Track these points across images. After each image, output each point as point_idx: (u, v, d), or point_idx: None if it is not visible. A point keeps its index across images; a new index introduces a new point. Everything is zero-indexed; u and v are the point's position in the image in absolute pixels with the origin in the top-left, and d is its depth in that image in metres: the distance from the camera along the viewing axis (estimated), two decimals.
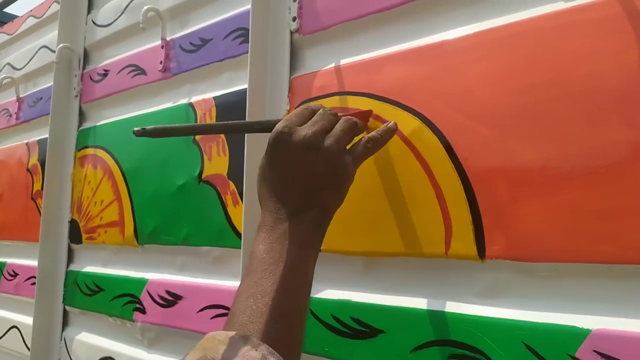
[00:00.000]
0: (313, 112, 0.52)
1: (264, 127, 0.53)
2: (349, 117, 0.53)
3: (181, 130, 0.54)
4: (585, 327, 0.42)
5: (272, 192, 0.49)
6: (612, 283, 0.42)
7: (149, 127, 0.47)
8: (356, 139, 0.53)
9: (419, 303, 0.53)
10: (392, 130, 0.55)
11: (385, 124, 0.55)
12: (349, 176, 0.50)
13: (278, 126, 0.49)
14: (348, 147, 0.51)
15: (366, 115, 0.58)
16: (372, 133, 0.53)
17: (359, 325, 0.56)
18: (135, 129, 0.47)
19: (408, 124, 0.56)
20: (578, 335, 0.42)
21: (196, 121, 0.81)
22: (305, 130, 0.48)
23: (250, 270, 0.45)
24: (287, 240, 0.45)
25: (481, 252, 0.49)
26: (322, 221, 0.48)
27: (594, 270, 0.43)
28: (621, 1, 0.44)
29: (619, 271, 0.42)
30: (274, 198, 0.48)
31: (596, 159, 0.43)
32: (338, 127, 0.51)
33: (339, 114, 0.53)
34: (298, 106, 0.54)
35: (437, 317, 0.51)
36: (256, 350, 0.38)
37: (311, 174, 0.48)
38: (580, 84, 0.45)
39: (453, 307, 0.50)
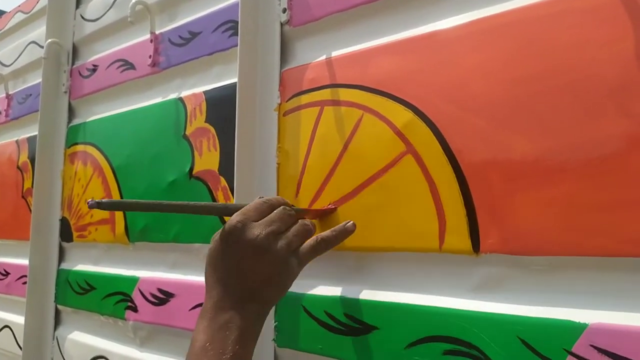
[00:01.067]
0: (272, 208, 0.52)
1: (224, 211, 0.54)
2: (305, 222, 0.53)
3: (135, 206, 0.54)
4: (581, 321, 0.41)
5: (218, 281, 0.50)
6: (608, 276, 0.41)
7: (104, 200, 0.47)
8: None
9: (413, 298, 0.52)
10: (349, 232, 0.55)
11: (343, 223, 0.55)
12: (292, 277, 0.51)
13: (232, 219, 0.50)
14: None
15: (331, 212, 0.59)
16: (327, 232, 0.54)
17: (352, 322, 0.55)
18: (89, 201, 0.46)
19: (401, 116, 0.55)
20: (574, 330, 0.41)
21: (186, 116, 0.80)
22: (258, 230, 0.49)
23: (196, 349, 0.46)
24: (228, 331, 0.46)
25: (475, 246, 0.48)
26: (262, 314, 0.50)
27: (590, 263, 0.42)
28: None
29: (616, 264, 0.41)
30: (219, 287, 0.49)
31: (591, 151, 0.42)
32: (292, 230, 0.51)
33: (308, 211, 0.56)
34: (260, 197, 0.54)
35: (431, 313, 0.50)
36: None
37: (256, 272, 0.49)
38: (575, 73, 0.44)
39: (447, 302, 0.50)
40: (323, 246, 0.53)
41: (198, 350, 0.46)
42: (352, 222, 0.55)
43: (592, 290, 0.42)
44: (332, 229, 0.54)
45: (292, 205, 0.55)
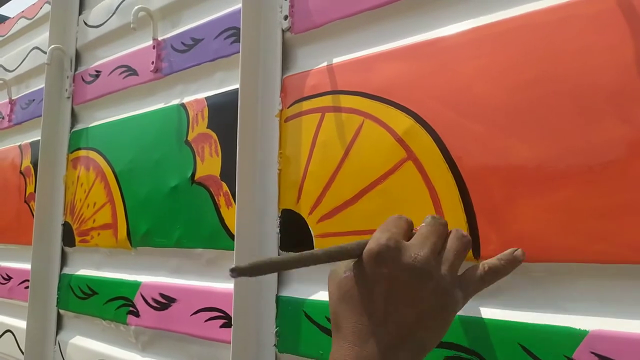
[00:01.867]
0: (410, 225, 0.43)
1: (354, 251, 0.41)
2: (461, 232, 0.43)
3: (277, 265, 0.45)
4: (582, 328, 0.41)
5: (358, 317, 0.38)
6: (609, 283, 0.42)
7: (244, 265, 0.39)
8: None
9: None
10: (518, 262, 0.43)
11: (511, 250, 0.44)
12: (454, 314, 0.40)
13: (381, 238, 0.39)
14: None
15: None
16: (493, 260, 0.43)
17: None
18: (231, 269, 0.38)
19: (401, 123, 0.55)
20: (575, 337, 0.41)
21: (188, 122, 0.80)
22: (416, 251, 0.39)
23: None
24: None
25: (476, 252, 0.48)
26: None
27: (591, 270, 0.42)
28: None
29: (616, 271, 0.41)
30: (360, 326, 0.38)
31: (592, 157, 0.43)
32: (450, 247, 0.41)
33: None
34: None
35: None
36: None
37: (415, 303, 0.38)
38: (575, 79, 0.44)
39: None
40: (491, 278, 0.42)
41: None
42: (521, 250, 0.44)
43: (593, 296, 0.42)
44: (499, 256, 0.43)
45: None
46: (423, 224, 0.42)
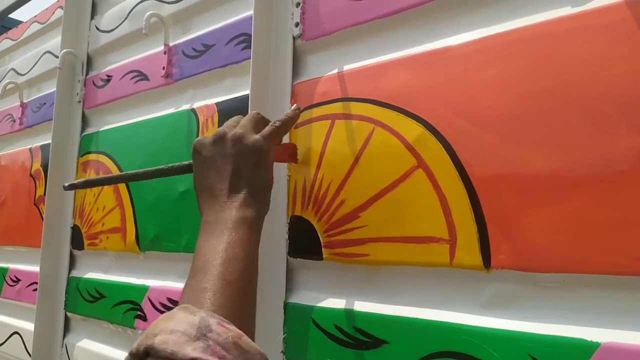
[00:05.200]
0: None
1: (185, 167, 0.60)
2: (272, 122, 0.58)
3: (104, 180, 0.64)
4: (593, 340, 0.41)
5: (204, 195, 0.53)
6: (621, 295, 0.41)
7: (77, 181, 0.60)
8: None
9: (424, 313, 0.52)
10: (298, 110, 0.62)
11: (293, 107, 0.63)
12: (261, 150, 0.53)
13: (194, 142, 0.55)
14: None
15: (292, 148, 0.64)
16: (281, 117, 0.59)
17: (362, 336, 0.55)
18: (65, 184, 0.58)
19: (412, 131, 0.55)
20: (586, 349, 0.41)
21: (198, 127, 0.81)
22: (216, 131, 0.55)
23: (196, 257, 0.48)
24: (224, 223, 0.48)
25: (486, 261, 0.48)
26: (253, 198, 0.51)
27: (603, 281, 0.42)
28: (629, 6, 0.43)
29: (629, 282, 0.41)
30: (206, 199, 0.52)
31: (605, 167, 0.42)
32: (245, 117, 0.57)
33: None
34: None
35: (441, 328, 0.50)
36: (194, 315, 0.39)
37: (225, 159, 0.52)
38: (587, 90, 0.44)
39: (458, 317, 0.49)
40: (281, 123, 0.58)
41: (201, 247, 0.48)
42: (296, 104, 0.63)
43: (605, 308, 0.42)
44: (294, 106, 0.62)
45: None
46: None
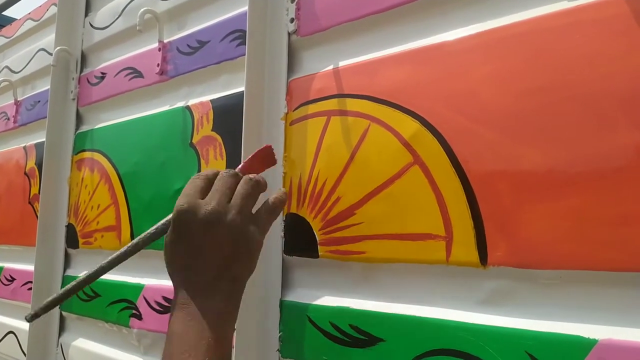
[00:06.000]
0: (208, 180, 0.50)
1: (159, 231, 0.52)
2: (249, 177, 0.51)
3: (65, 293, 0.52)
4: (591, 337, 0.40)
5: (182, 268, 0.48)
6: (619, 291, 0.41)
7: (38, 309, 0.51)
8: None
9: (420, 311, 0.51)
10: (285, 194, 0.56)
11: (281, 189, 0.58)
12: (257, 247, 0.49)
13: (178, 202, 0.48)
14: (253, 210, 0.51)
15: (266, 152, 0.57)
16: (277, 192, 0.54)
17: (358, 333, 0.55)
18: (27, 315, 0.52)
19: (408, 127, 0.55)
20: (584, 346, 0.40)
21: (193, 124, 0.80)
22: (205, 207, 0.47)
23: (170, 352, 0.45)
24: (202, 318, 0.45)
25: (483, 258, 0.48)
26: (235, 293, 0.48)
27: (601, 278, 0.41)
28: (627, 0, 0.42)
29: (627, 279, 0.40)
30: (184, 273, 0.48)
31: (603, 163, 0.42)
32: (239, 192, 0.50)
33: (239, 166, 0.54)
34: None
35: (438, 326, 0.49)
36: None
37: (217, 248, 0.47)
38: (585, 85, 0.44)
39: (454, 315, 0.49)
40: (279, 205, 0.52)
41: (176, 342, 0.44)
42: (284, 190, 0.57)
43: (602, 305, 0.42)
44: (281, 188, 0.54)
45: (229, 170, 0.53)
46: (217, 178, 0.50)
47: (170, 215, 0.50)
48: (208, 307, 0.45)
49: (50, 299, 0.50)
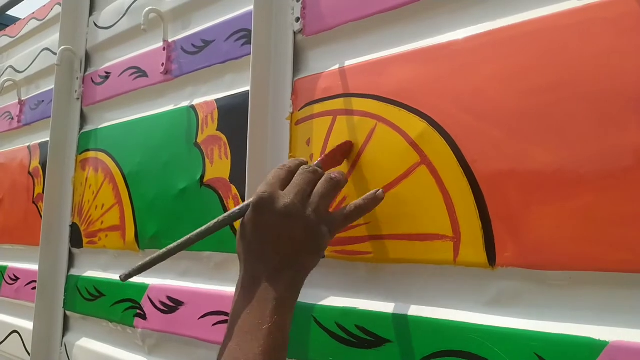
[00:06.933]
0: (291, 172, 0.52)
1: (235, 216, 0.53)
2: (331, 177, 0.52)
3: (157, 258, 0.53)
4: (601, 338, 0.40)
5: (251, 252, 0.50)
6: (629, 293, 0.40)
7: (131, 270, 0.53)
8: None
9: (427, 312, 0.51)
10: (379, 200, 0.53)
11: (373, 191, 0.53)
12: (324, 245, 0.51)
13: (259, 190, 0.50)
14: (331, 208, 0.53)
15: (347, 147, 0.58)
16: (358, 200, 0.53)
17: (364, 334, 0.55)
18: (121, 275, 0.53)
19: (415, 126, 0.54)
20: (594, 347, 0.40)
21: (198, 124, 0.80)
22: (285, 199, 0.49)
23: (232, 332, 0.47)
24: (265, 303, 0.47)
25: (491, 259, 0.47)
26: (298, 281, 0.50)
27: (611, 279, 0.41)
28: None
29: (637, 280, 0.40)
30: (253, 258, 0.50)
31: (612, 162, 0.41)
32: (318, 190, 0.51)
33: (321, 158, 0.55)
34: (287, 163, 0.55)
35: (445, 327, 0.49)
36: None
37: (290, 239, 0.49)
38: (594, 84, 0.43)
39: (462, 316, 0.49)
40: (355, 214, 0.53)
41: (239, 322, 0.47)
42: (381, 190, 0.53)
43: (613, 307, 0.41)
44: (364, 196, 0.53)
45: (310, 163, 0.55)
46: (297, 173, 0.52)
47: (248, 201, 0.52)
48: (271, 293, 0.47)
49: (143, 262, 0.53)
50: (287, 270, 0.49)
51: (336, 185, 0.53)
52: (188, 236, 0.53)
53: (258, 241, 0.50)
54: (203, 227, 0.53)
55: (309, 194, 0.51)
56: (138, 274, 0.53)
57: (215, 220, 0.53)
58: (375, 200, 0.53)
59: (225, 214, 0.54)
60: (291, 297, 0.49)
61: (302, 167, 0.53)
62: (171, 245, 0.53)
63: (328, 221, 0.51)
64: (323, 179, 0.53)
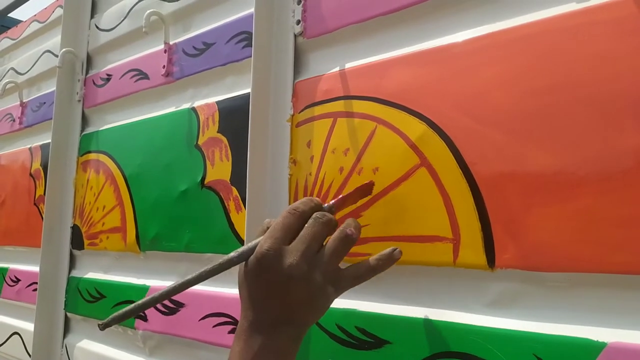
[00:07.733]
0: (303, 218, 0.48)
1: (244, 255, 0.48)
2: (346, 233, 0.48)
3: (136, 308, 0.50)
4: (600, 340, 0.40)
5: (254, 302, 0.48)
6: (628, 294, 0.41)
7: (108, 318, 0.50)
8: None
9: (427, 313, 0.51)
10: (394, 260, 0.49)
11: (390, 250, 0.49)
12: (329, 303, 0.49)
13: (263, 245, 0.46)
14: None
15: (367, 188, 0.54)
16: (372, 259, 0.49)
17: (364, 336, 0.55)
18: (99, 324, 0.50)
19: (415, 129, 0.55)
20: (593, 349, 0.40)
21: (199, 126, 0.80)
22: (290, 259, 0.46)
23: None
24: (268, 353, 0.46)
25: (491, 261, 0.47)
26: (300, 335, 0.48)
27: (610, 280, 0.41)
28: (636, 1, 0.42)
29: (637, 281, 0.40)
30: (255, 308, 0.48)
31: (612, 165, 0.42)
32: (329, 248, 0.47)
33: (336, 200, 0.51)
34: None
35: (445, 328, 0.49)
36: None
37: (292, 297, 0.47)
38: (594, 86, 0.44)
39: (462, 317, 0.49)
40: (368, 275, 0.49)
41: None
42: (399, 249, 0.49)
43: (612, 308, 0.41)
44: (378, 255, 0.49)
45: (324, 205, 0.50)
46: (308, 222, 0.48)
47: (255, 242, 0.48)
48: (271, 346, 0.46)
49: (125, 309, 0.50)
50: (290, 324, 0.47)
51: (351, 243, 0.49)
52: (173, 284, 0.50)
53: (261, 293, 0.48)
54: (191, 276, 0.50)
55: (317, 250, 0.47)
56: (117, 322, 0.50)
57: (203, 269, 0.50)
58: (391, 260, 0.49)
59: (217, 262, 0.49)
60: (291, 352, 0.48)
61: (315, 215, 0.48)
62: (161, 292, 0.49)
63: (336, 281, 0.48)
64: (337, 233, 0.48)
